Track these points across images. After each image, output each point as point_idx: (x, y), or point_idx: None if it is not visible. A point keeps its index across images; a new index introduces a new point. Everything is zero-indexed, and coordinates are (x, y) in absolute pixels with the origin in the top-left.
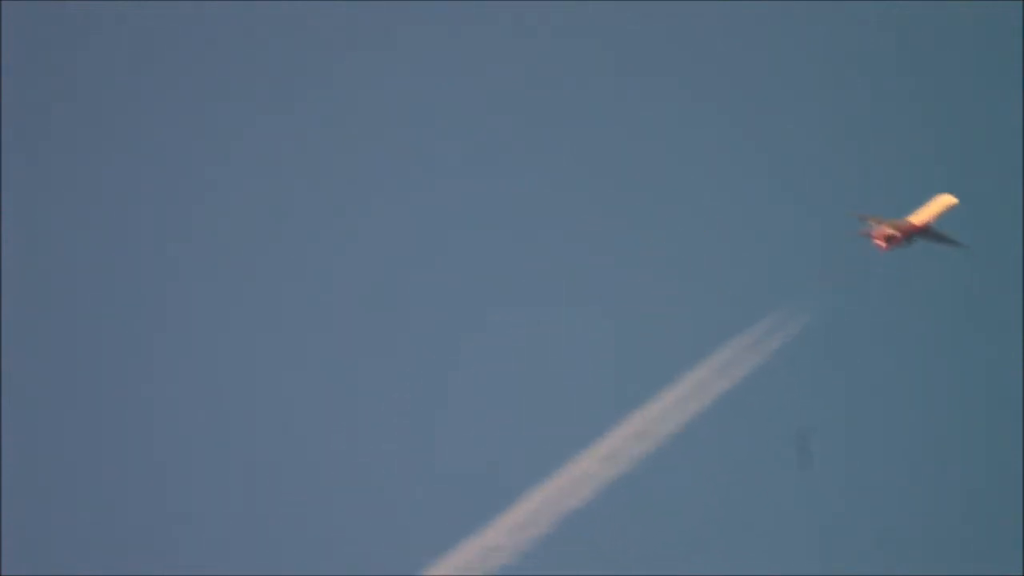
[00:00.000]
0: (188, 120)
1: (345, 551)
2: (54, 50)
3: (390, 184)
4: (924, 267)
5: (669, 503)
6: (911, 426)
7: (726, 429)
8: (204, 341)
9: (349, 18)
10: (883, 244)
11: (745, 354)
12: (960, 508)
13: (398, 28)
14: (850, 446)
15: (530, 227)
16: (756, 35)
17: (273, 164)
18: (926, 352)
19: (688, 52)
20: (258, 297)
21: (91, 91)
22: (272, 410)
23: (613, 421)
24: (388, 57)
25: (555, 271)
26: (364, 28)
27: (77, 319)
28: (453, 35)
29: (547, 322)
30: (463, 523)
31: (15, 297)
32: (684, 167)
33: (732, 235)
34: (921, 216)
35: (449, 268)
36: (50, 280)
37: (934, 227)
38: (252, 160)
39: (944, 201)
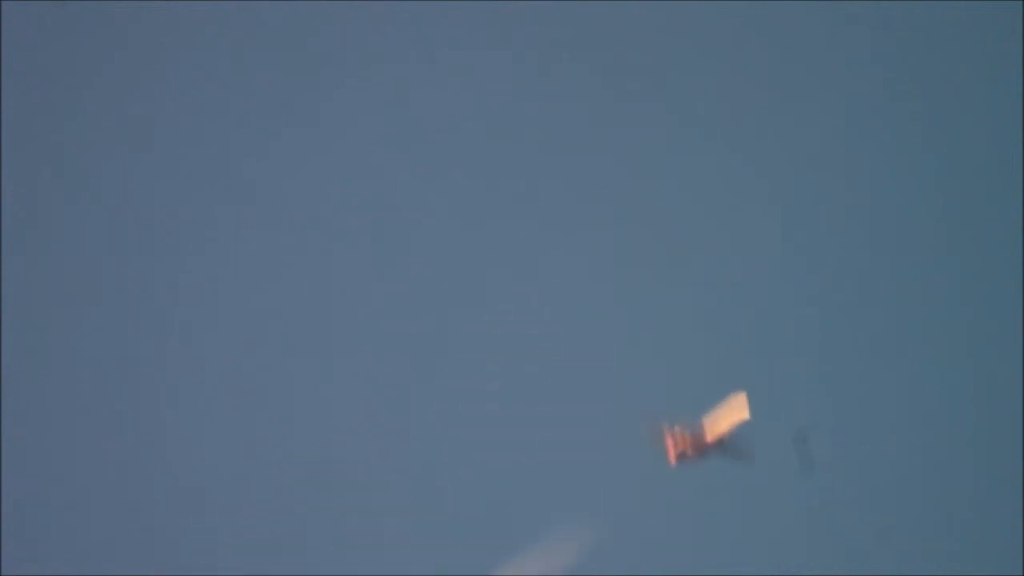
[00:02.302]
0: (189, 120)
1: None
2: (54, 50)
3: (390, 185)
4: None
5: None
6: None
7: None
8: (205, 343)
9: (351, 19)
10: (673, 458)
11: None
12: (960, 508)
13: (400, 29)
14: (850, 448)
15: None
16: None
17: (273, 165)
18: None
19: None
20: (257, 304)
21: (92, 91)
22: (274, 414)
23: None
24: (389, 58)
25: None
26: (366, 28)
27: (76, 317)
28: (456, 36)
29: None
30: None
31: (15, 297)
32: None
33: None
34: (714, 430)
35: None
36: (50, 278)
37: (727, 441)
38: (253, 160)
39: (738, 412)
